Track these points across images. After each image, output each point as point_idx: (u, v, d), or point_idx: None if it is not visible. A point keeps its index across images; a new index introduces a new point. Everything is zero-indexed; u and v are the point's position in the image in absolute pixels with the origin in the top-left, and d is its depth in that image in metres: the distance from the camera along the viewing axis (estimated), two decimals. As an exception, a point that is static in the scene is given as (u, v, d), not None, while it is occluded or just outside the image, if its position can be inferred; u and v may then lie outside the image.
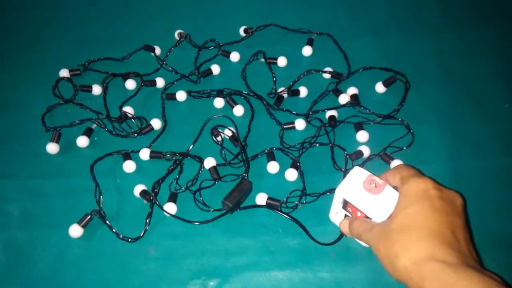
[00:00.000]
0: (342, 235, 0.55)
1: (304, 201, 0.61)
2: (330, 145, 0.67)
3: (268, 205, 0.60)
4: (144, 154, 0.66)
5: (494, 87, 0.74)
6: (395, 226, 0.43)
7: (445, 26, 0.83)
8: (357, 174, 0.51)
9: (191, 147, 0.66)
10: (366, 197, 0.49)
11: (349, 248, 0.57)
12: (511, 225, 0.60)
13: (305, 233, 0.58)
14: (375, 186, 0.49)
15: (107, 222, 0.60)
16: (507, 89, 0.74)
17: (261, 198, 0.61)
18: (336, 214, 0.56)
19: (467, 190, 0.62)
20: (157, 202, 0.60)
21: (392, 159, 0.64)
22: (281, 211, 0.59)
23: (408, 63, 0.77)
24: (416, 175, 0.47)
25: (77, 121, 0.71)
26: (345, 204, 0.52)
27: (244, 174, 0.63)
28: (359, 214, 0.51)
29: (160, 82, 0.76)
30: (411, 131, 0.68)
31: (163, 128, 0.71)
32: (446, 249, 0.39)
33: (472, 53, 0.79)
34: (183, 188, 0.63)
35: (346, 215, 0.54)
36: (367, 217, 0.50)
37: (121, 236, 0.59)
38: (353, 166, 0.63)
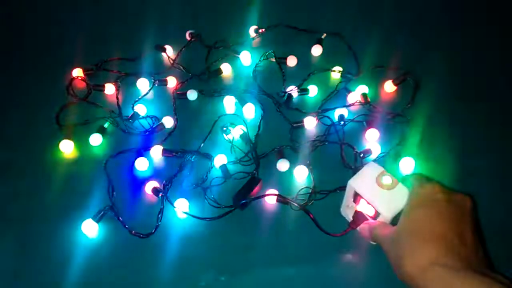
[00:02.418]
0: (350, 228, 0.55)
1: (314, 199, 0.62)
2: (340, 143, 0.67)
3: (278, 199, 0.61)
4: (156, 151, 0.67)
5: (502, 85, 0.74)
6: (401, 229, 0.44)
7: (453, 25, 0.83)
8: (371, 169, 0.51)
9: (201, 144, 0.67)
10: (377, 191, 0.49)
11: (359, 246, 0.57)
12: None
13: (315, 228, 0.58)
14: (388, 182, 0.50)
15: (120, 218, 0.61)
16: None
17: (271, 196, 0.62)
18: (348, 208, 0.56)
19: (476, 188, 0.62)
20: (168, 199, 0.61)
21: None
22: (287, 201, 0.60)
23: (417, 62, 0.77)
24: (424, 180, 0.47)
25: (90, 119, 0.72)
26: (356, 197, 0.52)
27: (254, 172, 0.64)
28: (367, 208, 0.51)
29: (171, 81, 0.77)
30: (421, 130, 0.68)
31: (175, 126, 0.72)
32: (450, 253, 0.39)
33: (480, 51, 0.79)
34: (194, 185, 0.64)
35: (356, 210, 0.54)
36: (376, 211, 0.50)
37: (133, 232, 0.60)
38: (362, 164, 0.64)
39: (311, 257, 0.57)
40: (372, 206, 0.50)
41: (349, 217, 0.56)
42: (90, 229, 0.60)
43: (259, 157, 0.66)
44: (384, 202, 0.49)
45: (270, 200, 0.62)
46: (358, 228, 0.54)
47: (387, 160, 0.66)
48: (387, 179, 0.50)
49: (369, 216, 0.52)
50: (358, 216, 0.53)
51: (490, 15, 0.84)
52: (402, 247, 0.42)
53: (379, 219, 0.51)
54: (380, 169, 0.51)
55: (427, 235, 0.41)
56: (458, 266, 0.38)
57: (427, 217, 0.43)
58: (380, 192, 0.49)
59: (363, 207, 0.53)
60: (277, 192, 0.62)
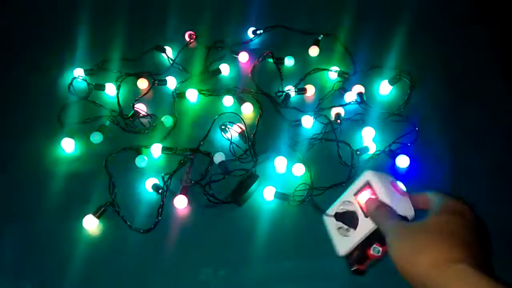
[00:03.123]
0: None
1: (311, 195, 0.63)
2: (336, 141, 0.68)
3: (277, 195, 0.62)
4: (156, 149, 0.69)
5: (497, 84, 0.76)
6: (431, 226, 0.43)
7: (448, 25, 0.85)
8: (386, 175, 0.52)
9: (202, 142, 0.69)
10: (389, 189, 0.49)
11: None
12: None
13: (313, 223, 0.59)
14: (399, 190, 0.50)
15: (120, 213, 0.62)
16: (510, 87, 0.75)
17: (269, 192, 0.63)
18: (344, 203, 0.54)
19: (470, 185, 0.64)
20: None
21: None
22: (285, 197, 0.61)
23: (413, 62, 0.78)
24: (453, 198, 0.47)
25: (91, 118, 0.73)
26: (360, 189, 0.51)
27: (252, 169, 0.65)
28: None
29: (171, 81, 0.78)
30: (416, 128, 0.69)
31: (174, 125, 0.73)
32: (475, 259, 0.39)
33: (475, 51, 0.80)
34: (193, 182, 0.65)
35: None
36: None
37: (133, 227, 0.61)
38: (359, 162, 0.65)
39: (309, 252, 0.58)
40: (379, 196, 0.49)
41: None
42: (90, 225, 0.61)
43: (257, 154, 0.67)
44: (394, 201, 0.48)
45: (268, 196, 0.63)
46: (363, 200, 0.51)
47: (383, 158, 0.67)
48: (401, 185, 0.50)
49: (364, 212, 0.50)
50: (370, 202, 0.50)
51: (487, 14, 0.86)
52: (428, 242, 0.41)
53: None
54: (391, 178, 0.51)
55: (458, 239, 0.41)
56: (481, 268, 0.38)
57: (458, 224, 0.42)
58: (391, 191, 0.49)
59: (364, 199, 0.51)
60: (274, 190, 0.63)
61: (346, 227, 0.51)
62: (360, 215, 0.49)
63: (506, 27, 0.84)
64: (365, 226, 0.49)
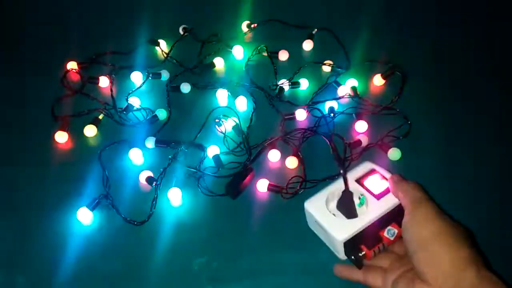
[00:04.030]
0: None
1: (304, 187, 0.63)
2: (330, 134, 0.69)
3: (270, 188, 0.62)
4: (150, 142, 0.69)
5: (487, 78, 0.76)
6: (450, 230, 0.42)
7: (442, 20, 0.85)
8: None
9: (197, 135, 0.69)
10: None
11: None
12: (504, 215, 0.61)
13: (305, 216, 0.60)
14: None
15: (114, 206, 0.62)
16: (500, 80, 0.76)
17: (262, 184, 0.63)
18: (338, 195, 0.53)
19: (460, 179, 0.65)
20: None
21: (389, 147, 0.66)
22: (278, 189, 0.61)
23: (406, 56, 0.79)
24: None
25: (85, 111, 0.73)
26: (367, 173, 0.52)
27: (246, 162, 0.66)
28: (377, 185, 0.51)
29: (165, 75, 0.78)
30: (409, 122, 0.70)
31: (168, 118, 0.73)
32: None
33: (468, 46, 0.81)
34: (187, 174, 0.65)
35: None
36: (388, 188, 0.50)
37: (127, 219, 0.61)
38: (351, 154, 0.66)
39: (303, 245, 0.58)
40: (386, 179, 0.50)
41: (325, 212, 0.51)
42: (84, 217, 0.61)
43: (251, 147, 0.68)
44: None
45: (262, 189, 0.63)
46: (371, 184, 0.51)
47: (376, 151, 0.67)
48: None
49: (375, 194, 0.50)
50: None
51: (478, 8, 0.87)
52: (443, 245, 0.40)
53: (388, 196, 0.49)
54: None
55: (474, 247, 0.41)
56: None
57: (468, 233, 0.43)
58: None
59: (374, 182, 0.51)
60: (268, 182, 0.63)
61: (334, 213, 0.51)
62: (371, 198, 0.49)
63: (498, 23, 0.85)
64: (377, 208, 0.48)
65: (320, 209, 0.51)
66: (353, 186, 0.51)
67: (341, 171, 0.50)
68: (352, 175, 0.53)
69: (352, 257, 0.48)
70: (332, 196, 0.53)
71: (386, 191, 0.50)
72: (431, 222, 0.42)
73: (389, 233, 0.48)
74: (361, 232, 0.48)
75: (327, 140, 0.66)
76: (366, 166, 0.53)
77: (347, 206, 0.50)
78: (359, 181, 0.52)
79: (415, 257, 0.41)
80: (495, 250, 0.50)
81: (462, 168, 0.66)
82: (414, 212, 0.43)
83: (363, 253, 0.47)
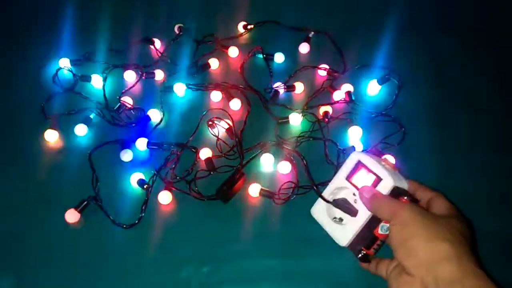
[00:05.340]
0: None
1: (297, 193, 0.63)
2: (323, 139, 0.68)
3: (261, 193, 0.62)
4: (141, 143, 0.68)
5: (484, 86, 0.76)
6: (443, 220, 0.44)
7: (438, 27, 0.85)
8: (372, 155, 0.52)
9: (191, 138, 0.68)
10: (382, 164, 0.50)
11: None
12: (498, 220, 0.61)
13: (297, 221, 0.59)
14: (389, 165, 0.51)
15: (103, 208, 0.61)
16: (496, 88, 0.76)
17: (254, 189, 0.63)
18: (334, 192, 0.53)
19: (455, 186, 0.64)
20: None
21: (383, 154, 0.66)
22: (270, 194, 0.61)
23: (402, 62, 0.78)
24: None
25: (76, 110, 0.72)
26: (354, 169, 0.51)
27: (238, 166, 0.65)
28: (366, 178, 0.50)
29: (159, 74, 0.77)
30: (403, 128, 0.69)
31: (161, 119, 0.72)
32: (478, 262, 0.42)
33: (464, 53, 0.81)
34: (178, 177, 0.64)
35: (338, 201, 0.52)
36: (378, 178, 0.48)
37: (116, 222, 0.60)
38: (345, 159, 0.65)
39: (294, 251, 0.58)
40: (375, 174, 0.49)
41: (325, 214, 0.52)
42: (73, 219, 0.60)
43: (244, 151, 0.67)
44: (388, 171, 0.48)
45: (254, 193, 0.63)
46: (359, 181, 0.50)
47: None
48: (391, 159, 0.51)
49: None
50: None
51: (476, 16, 0.86)
52: (437, 233, 0.42)
53: (378, 188, 0.49)
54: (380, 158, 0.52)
55: (467, 241, 0.43)
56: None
57: (465, 226, 0.45)
58: (385, 166, 0.50)
59: (361, 178, 0.50)
60: (260, 187, 0.63)
61: (339, 216, 0.51)
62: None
63: (495, 29, 0.84)
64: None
65: (321, 215, 0.52)
66: (345, 184, 0.52)
67: (314, 188, 0.53)
68: (342, 173, 0.52)
69: (359, 256, 0.49)
70: (333, 197, 0.53)
71: (374, 185, 0.49)
72: (411, 221, 0.43)
73: (382, 229, 0.48)
74: (359, 232, 0.49)
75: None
76: (353, 158, 0.52)
77: (343, 210, 0.51)
78: (348, 178, 0.52)
79: (396, 255, 0.44)
80: (492, 260, 0.50)
81: (456, 176, 0.66)
82: (395, 216, 0.45)
83: (364, 253, 0.49)
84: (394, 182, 0.48)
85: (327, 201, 0.52)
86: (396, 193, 0.48)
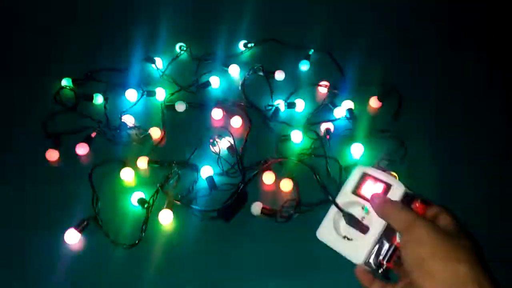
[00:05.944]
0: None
1: (299, 211, 0.62)
2: (325, 157, 0.68)
3: (263, 211, 0.61)
4: (142, 162, 0.67)
5: (484, 101, 0.76)
6: (457, 239, 0.43)
7: (439, 44, 0.86)
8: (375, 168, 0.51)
9: (191, 156, 0.68)
10: (386, 173, 0.49)
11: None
12: (502, 236, 0.61)
13: (300, 240, 0.58)
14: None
15: (103, 228, 0.60)
16: (497, 103, 0.76)
17: (256, 208, 0.62)
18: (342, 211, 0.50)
19: (458, 202, 0.64)
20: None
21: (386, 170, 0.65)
22: (272, 212, 0.60)
23: (403, 79, 0.78)
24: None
25: (77, 128, 0.72)
26: (361, 181, 0.49)
27: (239, 184, 0.64)
28: (374, 187, 0.48)
29: (160, 93, 0.78)
30: (405, 145, 0.69)
31: (162, 137, 0.72)
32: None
33: (465, 70, 0.81)
34: (180, 196, 0.64)
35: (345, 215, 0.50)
36: (387, 186, 0.47)
37: (116, 242, 0.59)
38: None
39: (296, 271, 0.57)
40: (383, 182, 0.48)
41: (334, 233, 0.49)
42: (72, 239, 0.59)
43: (245, 169, 0.66)
44: (398, 182, 0.47)
45: (255, 212, 0.62)
46: (368, 192, 0.48)
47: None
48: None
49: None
50: None
51: (477, 31, 0.87)
52: (454, 253, 0.41)
53: (389, 195, 0.47)
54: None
55: (480, 262, 0.42)
56: None
57: (478, 247, 0.43)
58: (391, 176, 0.49)
59: (369, 188, 0.49)
60: (261, 205, 0.62)
61: (347, 235, 0.48)
62: (371, 208, 0.47)
63: (495, 43, 0.85)
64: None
65: (329, 235, 0.49)
66: (352, 199, 0.49)
67: (330, 198, 0.49)
68: (348, 187, 0.50)
69: (379, 272, 0.46)
70: (338, 216, 0.50)
71: (384, 192, 0.47)
72: (427, 239, 0.41)
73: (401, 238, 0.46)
74: (375, 244, 0.46)
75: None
76: (358, 172, 0.51)
77: (353, 225, 0.48)
78: (355, 192, 0.49)
79: (412, 276, 0.41)
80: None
81: (459, 192, 0.65)
82: (409, 231, 0.43)
83: (385, 266, 0.46)
84: (405, 187, 0.46)
85: (342, 211, 0.48)
86: (408, 199, 0.46)
